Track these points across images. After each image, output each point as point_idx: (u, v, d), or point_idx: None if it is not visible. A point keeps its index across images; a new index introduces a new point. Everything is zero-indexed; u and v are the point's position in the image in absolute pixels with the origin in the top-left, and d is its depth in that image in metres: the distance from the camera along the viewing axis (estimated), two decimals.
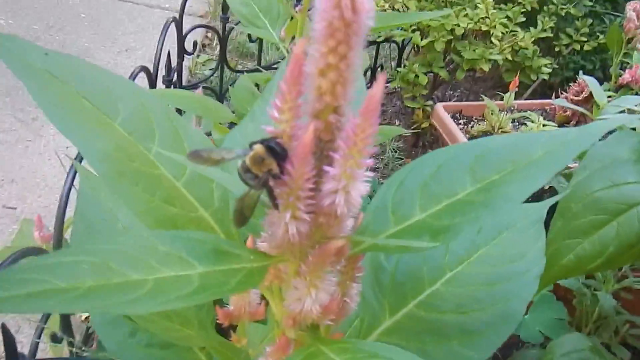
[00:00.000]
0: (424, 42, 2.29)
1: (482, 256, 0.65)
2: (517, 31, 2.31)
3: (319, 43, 0.41)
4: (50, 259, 0.38)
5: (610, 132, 1.06)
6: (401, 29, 2.36)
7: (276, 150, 0.43)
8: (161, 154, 0.54)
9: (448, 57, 2.40)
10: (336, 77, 0.41)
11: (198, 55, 3.12)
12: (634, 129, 1.08)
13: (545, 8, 2.50)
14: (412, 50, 2.60)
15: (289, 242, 0.46)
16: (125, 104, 0.55)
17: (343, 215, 0.44)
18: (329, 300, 0.48)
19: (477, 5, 2.29)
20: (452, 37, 2.29)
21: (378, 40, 2.51)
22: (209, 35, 3.37)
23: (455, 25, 2.25)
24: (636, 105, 1.22)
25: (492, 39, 2.26)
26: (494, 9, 2.28)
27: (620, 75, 1.77)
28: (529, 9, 2.41)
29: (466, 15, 2.28)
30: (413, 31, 2.33)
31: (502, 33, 2.28)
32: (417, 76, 2.30)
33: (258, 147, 0.44)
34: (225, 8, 2.10)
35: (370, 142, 0.41)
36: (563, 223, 0.95)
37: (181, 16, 1.94)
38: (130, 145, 0.53)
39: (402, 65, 2.50)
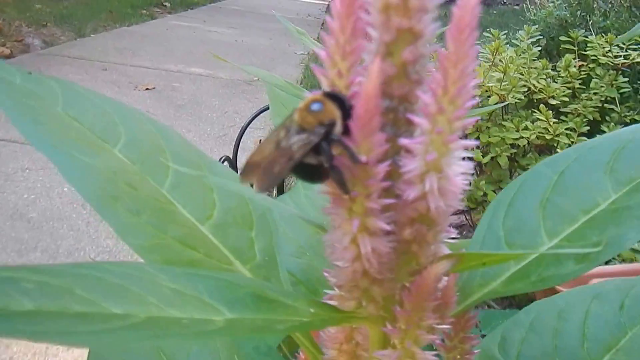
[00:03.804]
0: (486, 158, 2.16)
1: (636, 339, 0.47)
2: (583, 140, 2.17)
3: None
4: None
5: None
6: None
7: (337, 96, 0.29)
8: (177, 190, 0.40)
9: (515, 173, 2.27)
10: None
11: None
12: None
13: (607, 117, 2.37)
14: (475, 170, 2.47)
15: (364, 277, 0.30)
16: (128, 128, 0.42)
17: (440, 216, 0.29)
18: None
19: (538, 118, 2.18)
20: (514, 152, 2.16)
21: None
22: None
23: (516, 139, 2.13)
24: None
25: (558, 149, 2.12)
26: (555, 120, 2.16)
27: None
28: (591, 118, 2.29)
29: (526, 127, 2.17)
30: (473, 149, 2.21)
31: (567, 144, 2.15)
32: (485, 194, 2.15)
33: (312, 95, 0.30)
34: None
35: (467, 83, 0.27)
36: None
37: (235, 155, 1.84)
38: (133, 173, 0.39)
39: (468, 185, 2.36)
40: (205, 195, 0.43)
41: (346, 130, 0.29)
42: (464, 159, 0.29)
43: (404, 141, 0.28)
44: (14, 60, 4.62)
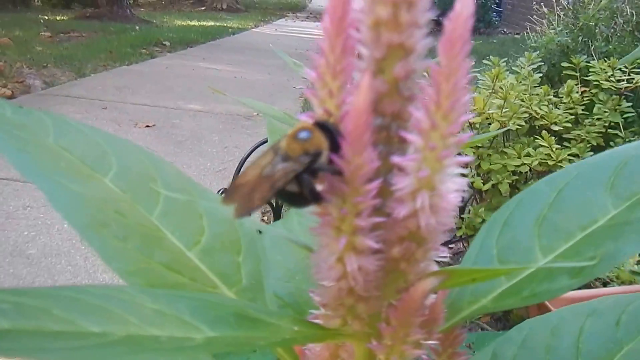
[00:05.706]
0: (487, 186, 2.15)
1: (632, 354, 0.46)
2: None
3: None
4: None
5: None
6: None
7: (327, 126, 0.28)
8: (167, 218, 0.40)
9: None
10: None
11: None
12: None
13: (611, 143, 2.36)
14: (474, 198, 2.46)
15: (349, 295, 0.29)
16: (120, 159, 0.42)
17: (430, 234, 0.28)
18: None
19: (540, 144, 2.17)
20: (516, 178, 2.14)
21: None
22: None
23: (518, 165, 2.11)
24: None
25: None
26: (557, 146, 2.15)
27: None
28: (595, 144, 2.28)
29: (528, 154, 2.15)
30: (473, 176, 2.20)
31: None
32: (484, 221, 2.13)
33: (302, 122, 0.29)
34: None
35: (460, 97, 0.26)
36: None
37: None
38: (123, 201, 0.39)
39: (467, 212, 2.34)
40: (195, 222, 0.43)
41: (332, 162, 0.28)
42: (458, 175, 0.28)
43: (395, 159, 0.27)
44: (15, 101, 4.65)
